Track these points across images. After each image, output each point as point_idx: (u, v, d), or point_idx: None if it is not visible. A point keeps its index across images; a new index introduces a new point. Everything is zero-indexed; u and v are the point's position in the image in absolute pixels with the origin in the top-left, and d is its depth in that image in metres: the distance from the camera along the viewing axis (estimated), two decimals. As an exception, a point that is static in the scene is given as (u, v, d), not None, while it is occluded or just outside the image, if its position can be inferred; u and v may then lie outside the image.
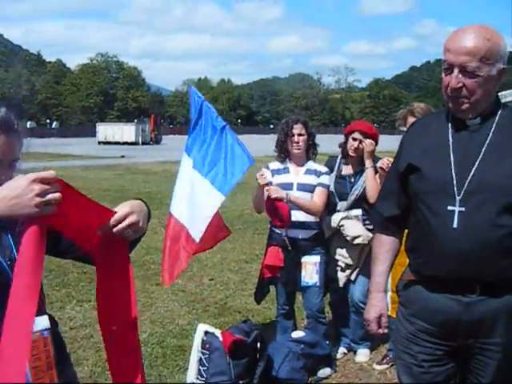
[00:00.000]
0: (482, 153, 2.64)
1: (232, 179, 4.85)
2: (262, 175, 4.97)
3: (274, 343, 5.14)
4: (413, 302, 2.86)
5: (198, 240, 4.85)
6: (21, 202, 1.79)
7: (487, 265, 2.59)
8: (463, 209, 2.60)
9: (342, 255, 5.34)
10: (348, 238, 5.21)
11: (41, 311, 2.15)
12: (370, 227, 5.21)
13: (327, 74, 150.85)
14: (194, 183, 4.97)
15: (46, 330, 2.16)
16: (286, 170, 5.25)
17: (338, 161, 5.53)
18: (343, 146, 5.50)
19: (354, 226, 5.26)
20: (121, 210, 2.04)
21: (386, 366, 5.32)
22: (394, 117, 5.24)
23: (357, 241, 5.20)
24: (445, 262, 2.64)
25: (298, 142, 5.19)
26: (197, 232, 4.85)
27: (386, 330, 3.03)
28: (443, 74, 2.68)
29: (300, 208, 5.05)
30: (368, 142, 5.24)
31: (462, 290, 2.65)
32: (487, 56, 2.55)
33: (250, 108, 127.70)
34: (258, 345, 4.79)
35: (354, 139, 5.35)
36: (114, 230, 2.03)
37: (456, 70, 2.59)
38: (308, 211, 5.10)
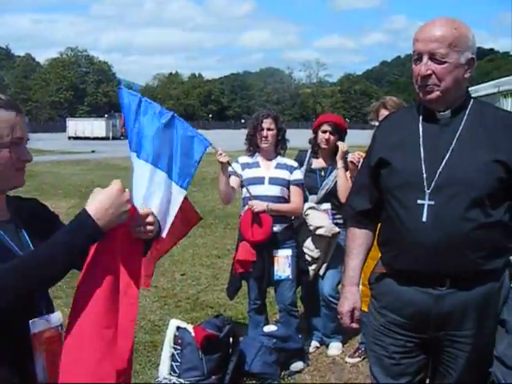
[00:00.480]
0: (451, 147, 2.66)
1: (190, 169, 4.80)
2: (221, 154, 4.96)
3: (246, 338, 5.14)
4: (384, 295, 2.87)
5: (164, 236, 4.80)
6: (116, 212, 1.98)
7: (456, 258, 2.61)
8: (433, 202, 2.62)
9: (308, 248, 5.34)
10: (311, 228, 5.22)
11: (51, 309, 2.20)
12: (340, 221, 5.25)
13: (298, 69, 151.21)
14: (153, 178, 4.89)
15: (60, 325, 2.19)
16: (256, 165, 5.24)
17: (308, 155, 5.56)
18: (313, 141, 5.53)
19: (318, 217, 5.28)
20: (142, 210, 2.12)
21: (358, 359, 5.35)
22: (365, 112, 5.27)
23: (319, 231, 5.20)
24: (415, 256, 2.66)
25: (266, 137, 5.20)
26: (164, 228, 4.81)
27: (358, 325, 3.04)
28: (413, 65, 2.71)
29: (283, 214, 5.10)
30: (342, 143, 5.27)
31: (432, 283, 2.67)
32: (455, 43, 2.59)
33: (221, 103, 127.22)
34: (231, 340, 4.78)
35: (324, 131, 5.39)
36: (136, 229, 2.10)
37: (425, 58, 2.63)
38: (290, 214, 5.17)
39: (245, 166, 5.26)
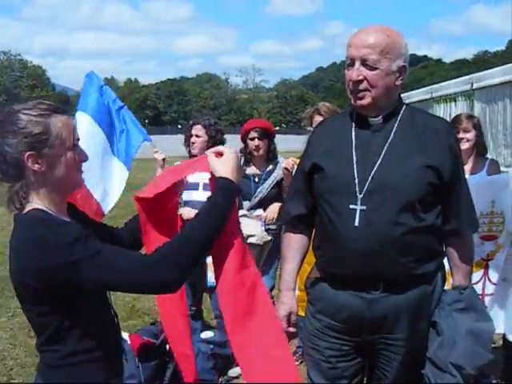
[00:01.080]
0: (383, 152, 2.70)
1: (132, 152, 4.94)
2: (157, 151, 5.02)
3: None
4: (319, 299, 2.89)
5: (105, 212, 4.85)
6: (240, 173, 2.31)
7: (388, 262, 2.65)
8: (364, 207, 2.65)
9: None
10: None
11: None
12: (273, 227, 5.25)
13: (235, 75, 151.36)
14: (104, 155, 4.90)
15: None
16: None
17: (241, 163, 5.54)
18: (244, 150, 5.50)
19: (250, 225, 5.24)
20: None
21: (295, 363, 5.36)
22: (301, 117, 5.29)
23: (250, 240, 5.18)
24: (347, 260, 2.69)
25: (193, 143, 5.22)
26: (106, 206, 4.81)
27: (295, 329, 3.05)
28: (346, 71, 2.75)
29: None
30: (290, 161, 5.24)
31: (366, 287, 2.70)
32: (387, 50, 2.64)
33: (158, 108, 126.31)
34: (167, 347, 4.74)
35: (252, 138, 5.37)
36: None
37: (357, 63, 2.67)
38: None
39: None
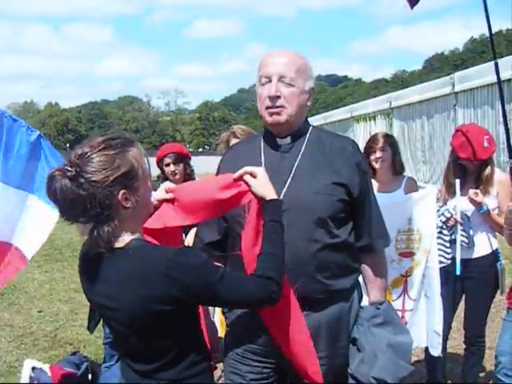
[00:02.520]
0: (292, 172, 2.72)
1: None
2: None
3: (106, 372, 4.97)
4: (237, 324, 2.85)
5: (29, 257, 4.62)
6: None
7: (305, 279, 2.64)
8: None
9: None
10: None
11: None
12: None
13: (157, 97, 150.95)
14: (17, 201, 4.67)
15: None
16: None
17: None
18: (162, 176, 5.42)
19: None
20: None
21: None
22: (217, 142, 5.27)
23: None
24: None
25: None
26: (29, 249, 4.61)
27: (218, 353, 2.99)
28: (260, 90, 2.77)
29: None
30: None
31: None
32: (301, 70, 2.72)
33: (79, 131, 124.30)
34: (90, 376, 4.62)
35: (167, 165, 5.31)
36: None
37: (274, 79, 2.70)
38: None
39: None
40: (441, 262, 4.41)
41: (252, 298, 2.23)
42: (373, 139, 4.83)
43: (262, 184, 2.43)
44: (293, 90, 2.70)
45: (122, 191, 2.10)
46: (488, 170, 4.52)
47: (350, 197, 2.73)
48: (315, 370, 2.60)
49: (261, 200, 2.43)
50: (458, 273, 4.47)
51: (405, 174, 4.96)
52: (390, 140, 4.83)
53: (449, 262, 4.55)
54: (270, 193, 2.42)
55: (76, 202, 2.06)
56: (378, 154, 4.72)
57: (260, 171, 2.46)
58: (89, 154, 2.09)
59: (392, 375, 2.70)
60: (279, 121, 2.74)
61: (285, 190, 2.69)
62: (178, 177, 5.28)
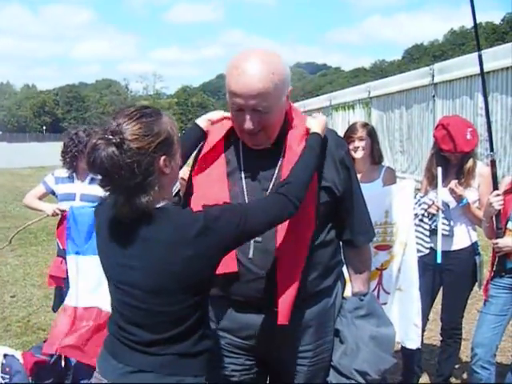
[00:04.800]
0: (273, 178, 2.63)
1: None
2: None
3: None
4: (221, 318, 2.80)
5: None
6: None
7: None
8: (260, 239, 2.56)
9: None
10: None
11: None
12: None
13: (135, 81, 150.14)
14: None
15: None
16: (70, 180, 5.06)
17: None
18: None
19: None
20: None
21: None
22: None
23: None
24: (247, 287, 2.62)
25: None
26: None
27: None
28: (233, 112, 2.59)
29: None
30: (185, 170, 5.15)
31: (269, 308, 2.61)
32: (276, 91, 2.48)
33: (56, 114, 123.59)
34: (63, 363, 4.56)
35: None
36: None
37: (248, 112, 2.50)
38: None
39: (59, 180, 5.08)
40: (419, 251, 4.41)
41: (277, 220, 2.37)
42: (351, 129, 4.79)
43: (318, 122, 2.69)
44: (270, 115, 2.52)
45: (162, 157, 2.15)
46: (470, 163, 4.50)
47: (333, 197, 2.67)
48: (286, 308, 2.54)
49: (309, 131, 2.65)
50: (439, 261, 4.46)
51: (383, 163, 4.93)
52: (368, 129, 4.79)
53: (427, 251, 4.54)
54: (318, 128, 2.65)
55: (123, 169, 2.06)
56: (357, 144, 4.68)
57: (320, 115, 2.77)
58: (127, 122, 2.12)
59: (374, 368, 2.69)
60: (257, 144, 2.63)
61: None
62: None
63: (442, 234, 4.49)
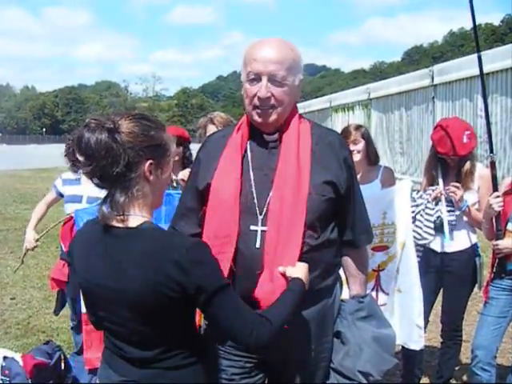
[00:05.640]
0: (277, 170, 2.64)
1: None
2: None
3: (78, 363, 4.90)
4: None
5: None
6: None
7: None
8: (265, 228, 2.59)
9: None
10: None
11: None
12: None
13: (134, 82, 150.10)
14: None
15: None
16: (77, 182, 5.06)
17: None
18: None
19: None
20: None
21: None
22: (197, 127, 5.29)
23: None
24: (251, 281, 2.60)
25: None
26: None
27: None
28: (248, 85, 2.64)
29: None
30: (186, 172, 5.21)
31: None
32: (293, 65, 2.59)
33: (55, 116, 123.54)
34: (62, 366, 4.55)
35: None
36: None
37: (265, 79, 2.57)
38: None
39: (66, 182, 5.08)
40: (423, 239, 4.49)
41: (233, 331, 2.16)
42: (345, 132, 4.78)
43: (301, 269, 2.51)
44: (284, 89, 2.59)
45: (149, 161, 2.15)
46: (467, 166, 4.49)
47: (337, 194, 2.67)
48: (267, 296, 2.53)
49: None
50: (446, 242, 4.50)
51: (381, 163, 4.93)
52: (362, 131, 4.79)
53: (432, 238, 4.54)
54: (301, 274, 2.48)
55: (108, 153, 2.06)
56: (352, 147, 4.67)
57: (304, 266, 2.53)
58: (128, 118, 2.16)
59: (377, 368, 2.69)
60: (268, 121, 2.66)
61: (272, 189, 2.62)
62: (176, 158, 5.33)
63: (448, 221, 4.48)
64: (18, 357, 4.52)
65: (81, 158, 2.13)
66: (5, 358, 4.50)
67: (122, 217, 2.13)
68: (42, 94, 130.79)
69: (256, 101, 2.62)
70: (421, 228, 4.50)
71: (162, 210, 4.65)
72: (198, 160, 2.91)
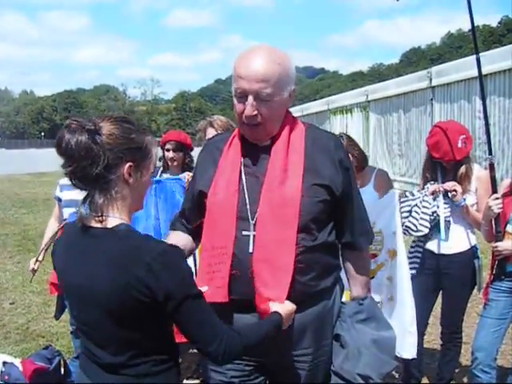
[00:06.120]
0: (267, 174, 2.64)
1: None
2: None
3: (76, 368, 4.89)
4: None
5: None
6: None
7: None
8: (256, 233, 2.60)
9: None
10: None
11: None
12: None
13: (133, 86, 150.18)
14: None
15: None
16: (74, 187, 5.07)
17: (160, 171, 5.57)
18: (162, 158, 5.57)
19: None
20: None
21: (196, 381, 5.27)
22: (196, 130, 5.33)
23: None
24: (246, 286, 2.61)
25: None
26: None
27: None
28: (236, 101, 2.64)
29: None
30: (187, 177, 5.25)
31: None
32: (280, 79, 2.56)
33: (54, 120, 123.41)
34: (62, 371, 4.53)
35: (167, 150, 5.42)
36: None
37: (251, 98, 2.56)
38: None
39: (64, 188, 5.08)
40: (419, 231, 4.51)
41: (204, 340, 2.15)
42: None
43: (285, 309, 2.50)
44: (271, 105, 2.58)
45: (129, 163, 2.15)
46: (463, 169, 4.48)
47: (332, 196, 2.66)
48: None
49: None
50: (443, 238, 4.51)
51: (377, 166, 4.92)
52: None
53: (427, 230, 4.54)
54: (283, 312, 2.48)
55: (87, 155, 2.07)
56: None
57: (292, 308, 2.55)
58: (109, 120, 2.17)
59: (376, 371, 2.68)
60: (257, 138, 2.68)
61: (263, 194, 2.62)
62: (175, 164, 5.44)
63: (444, 218, 4.49)
64: (17, 362, 4.49)
65: (61, 159, 2.14)
66: (4, 363, 4.47)
67: (100, 218, 2.13)
68: (41, 98, 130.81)
69: (244, 118, 2.62)
70: (417, 220, 4.50)
71: (152, 201, 4.70)
72: (197, 165, 2.95)
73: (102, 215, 2.13)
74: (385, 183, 4.73)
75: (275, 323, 2.41)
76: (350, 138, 4.87)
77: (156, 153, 2.29)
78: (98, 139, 2.08)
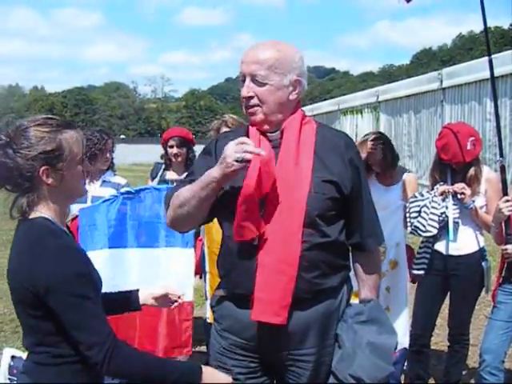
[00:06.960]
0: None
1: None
2: None
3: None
4: (224, 318, 2.82)
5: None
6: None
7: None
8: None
9: None
10: None
11: None
12: None
13: (143, 84, 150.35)
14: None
15: None
16: None
17: (162, 168, 5.68)
18: (165, 156, 5.64)
19: None
20: None
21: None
22: (208, 129, 5.33)
23: None
24: (250, 281, 2.62)
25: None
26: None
27: None
28: (240, 87, 2.72)
29: None
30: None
31: None
32: (276, 65, 2.63)
33: (64, 117, 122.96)
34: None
35: (171, 146, 5.48)
36: None
37: (248, 79, 2.66)
38: None
39: None
40: (427, 231, 4.49)
41: (84, 342, 2.16)
42: (361, 144, 4.76)
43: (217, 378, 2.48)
44: (266, 88, 2.64)
45: (43, 167, 2.20)
46: (472, 171, 4.48)
47: (341, 194, 2.67)
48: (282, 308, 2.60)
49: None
50: (451, 238, 4.49)
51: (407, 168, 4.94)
52: (380, 140, 4.80)
53: (435, 231, 4.52)
54: (211, 379, 2.44)
55: (1, 169, 2.19)
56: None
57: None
58: (24, 127, 2.23)
59: (369, 374, 2.63)
60: (255, 120, 2.70)
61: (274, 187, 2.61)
62: (180, 159, 5.49)
63: (453, 219, 4.49)
64: (25, 356, 4.52)
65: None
66: (13, 357, 4.50)
67: (24, 215, 2.26)
68: (51, 94, 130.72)
69: (244, 101, 2.71)
70: (425, 220, 4.49)
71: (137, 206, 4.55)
72: (207, 153, 2.90)
73: (25, 212, 2.25)
74: (412, 187, 4.77)
75: (190, 372, 2.39)
76: (379, 134, 4.92)
77: (81, 147, 2.34)
78: (10, 152, 2.19)
